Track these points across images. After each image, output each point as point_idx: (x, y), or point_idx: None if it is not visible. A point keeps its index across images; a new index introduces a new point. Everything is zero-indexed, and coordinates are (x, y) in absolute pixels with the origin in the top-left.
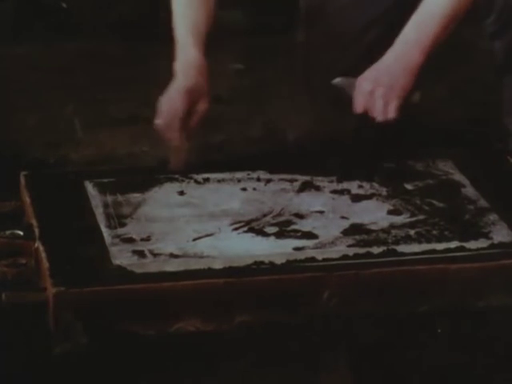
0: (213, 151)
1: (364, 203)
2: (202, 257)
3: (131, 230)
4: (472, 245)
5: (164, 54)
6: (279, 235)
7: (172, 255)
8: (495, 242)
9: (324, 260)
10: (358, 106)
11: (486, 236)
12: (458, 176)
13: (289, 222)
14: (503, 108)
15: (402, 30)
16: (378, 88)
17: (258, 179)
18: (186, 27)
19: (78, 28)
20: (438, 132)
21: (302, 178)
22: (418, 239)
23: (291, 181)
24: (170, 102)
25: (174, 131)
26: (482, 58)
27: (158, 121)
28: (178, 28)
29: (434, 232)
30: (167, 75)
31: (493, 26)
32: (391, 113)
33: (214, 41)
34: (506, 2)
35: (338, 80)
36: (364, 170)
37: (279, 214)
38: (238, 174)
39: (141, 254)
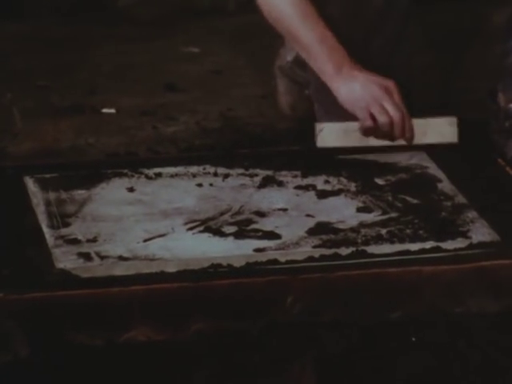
0: (165, 143)
1: (331, 200)
2: (153, 259)
3: (76, 230)
4: (449, 245)
5: (111, 38)
6: (238, 235)
7: (121, 258)
8: (474, 241)
9: (287, 262)
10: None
11: (465, 235)
12: (433, 170)
13: (249, 221)
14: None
15: None
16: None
17: (215, 174)
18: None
19: (17, 8)
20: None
21: (263, 173)
22: (390, 239)
23: (251, 176)
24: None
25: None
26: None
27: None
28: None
29: (408, 231)
30: (114, 61)
31: None
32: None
33: (165, 22)
34: None
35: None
36: (331, 164)
37: (238, 212)
38: (193, 169)
39: (87, 256)
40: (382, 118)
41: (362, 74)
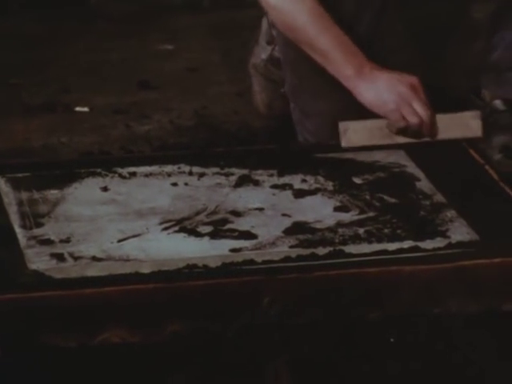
0: (139, 142)
1: (308, 199)
2: (128, 260)
3: (49, 230)
4: (428, 244)
5: (85, 35)
6: (214, 235)
7: (95, 258)
8: (453, 241)
9: (264, 262)
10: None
11: (443, 235)
12: (411, 168)
13: (225, 221)
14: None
15: None
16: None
17: (190, 173)
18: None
19: None
20: None
21: (239, 172)
22: (368, 239)
23: (227, 175)
24: None
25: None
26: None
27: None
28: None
29: (386, 231)
30: (88, 58)
31: None
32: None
33: (139, 19)
34: None
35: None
36: (308, 163)
37: (214, 212)
38: (168, 168)
39: (60, 257)
40: (413, 120)
41: (384, 74)
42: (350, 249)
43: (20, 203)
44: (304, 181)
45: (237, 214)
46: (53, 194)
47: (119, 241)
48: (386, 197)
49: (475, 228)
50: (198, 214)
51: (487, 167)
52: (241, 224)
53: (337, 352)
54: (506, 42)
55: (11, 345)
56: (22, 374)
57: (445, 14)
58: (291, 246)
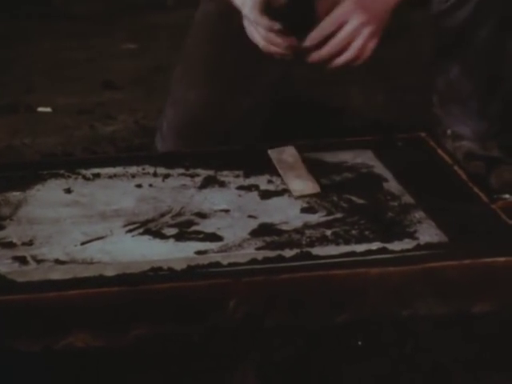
0: (103, 143)
1: (274, 200)
2: (91, 263)
3: (11, 233)
4: (396, 246)
5: (48, 34)
6: (179, 237)
7: (58, 261)
8: (421, 242)
9: (230, 265)
10: (342, 38)
11: (412, 236)
12: (379, 169)
13: (190, 223)
14: (437, 96)
15: None
16: (367, 24)
17: (155, 174)
18: None
19: None
20: (354, 117)
21: (204, 173)
22: (336, 240)
23: (192, 176)
24: None
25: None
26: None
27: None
28: None
29: (353, 232)
30: (51, 58)
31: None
32: (368, 52)
33: (102, 18)
34: None
35: None
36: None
37: (179, 214)
38: (132, 169)
39: (22, 260)
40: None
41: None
42: (318, 251)
43: None
44: (270, 182)
45: (202, 215)
46: (15, 195)
47: (83, 243)
48: (353, 198)
49: (444, 229)
50: (162, 215)
51: (456, 167)
52: (206, 226)
53: (304, 355)
54: (449, 76)
55: None
56: None
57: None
58: (257, 248)
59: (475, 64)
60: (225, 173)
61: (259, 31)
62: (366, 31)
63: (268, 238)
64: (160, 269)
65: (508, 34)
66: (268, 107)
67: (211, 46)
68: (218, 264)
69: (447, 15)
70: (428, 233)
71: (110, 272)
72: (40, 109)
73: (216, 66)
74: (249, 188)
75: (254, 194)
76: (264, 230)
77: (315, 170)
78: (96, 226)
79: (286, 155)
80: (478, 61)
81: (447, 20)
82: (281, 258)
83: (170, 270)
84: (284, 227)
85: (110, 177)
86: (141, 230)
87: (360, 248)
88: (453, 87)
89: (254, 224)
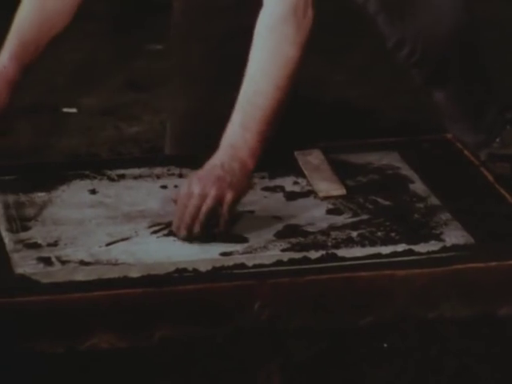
0: (128, 144)
1: (300, 201)
2: (116, 264)
3: (36, 234)
4: (422, 248)
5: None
6: (204, 239)
7: (82, 262)
8: (448, 244)
9: (255, 266)
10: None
11: (438, 238)
12: (405, 170)
13: (215, 224)
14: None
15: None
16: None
17: (180, 175)
18: (15, 28)
19: None
20: (381, 120)
21: None
22: (361, 242)
23: None
24: None
25: None
26: None
27: None
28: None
29: (379, 234)
30: (76, 58)
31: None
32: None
33: (127, 18)
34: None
35: None
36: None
37: None
38: (157, 170)
39: (47, 261)
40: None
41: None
42: (343, 252)
43: (6, 206)
44: (296, 183)
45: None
46: (40, 196)
47: (107, 244)
48: (379, 199)
49: (470, 231)
50: None
51: (482, 169)
52: (231, 227)
53: (328, 358)
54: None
55: None
56: (7, 379)
57: None
58: (283, 250)
59: (456, 92)
60: None
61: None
62: (212, 192)
63: (293, 240)
64: (185, 270)
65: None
66: None
67: (188, 53)
68: (242, 265)
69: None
70: (454, 234)
71: (134, 273)
72: (65, 109)
73: (195, 73)
74: (274, 189)
75: (280, 195)
76: (289, 232)
77: (341, 171)
78: (121, 227)
79: (312, 157)
80: (458, 90)
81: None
82: (306, 260)
83: (195, 271)
84: (309, 228)
85: (135, 178)
86: (166, 231)
87: (386, 250)
88: (446, 109)
89: (279, 225)
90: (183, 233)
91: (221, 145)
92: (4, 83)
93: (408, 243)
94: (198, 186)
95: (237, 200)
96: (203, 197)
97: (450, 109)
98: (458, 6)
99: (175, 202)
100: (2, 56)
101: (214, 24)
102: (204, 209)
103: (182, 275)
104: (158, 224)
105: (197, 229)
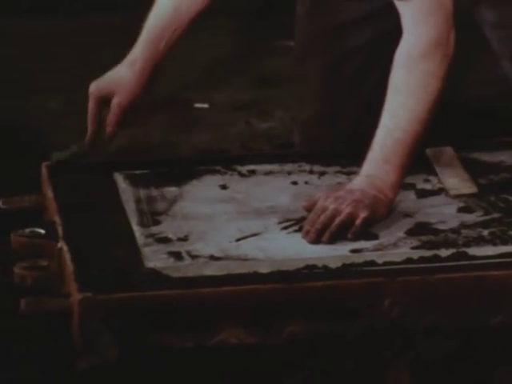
0: (259, 140)
1: (431, 199)
2: (246, 259)
3: (166, 228)
4: None
5: (205, 30)
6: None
7: (212, 257)
8: None
9: (385, 264)
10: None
11: None
12: None
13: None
14: None
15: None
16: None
17: (311, 172)
18: (149, 19)
19: (110, 0)
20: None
21: (359, 170)
22: (493, 240)
23: (348, 174)
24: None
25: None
26: None
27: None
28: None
29: (511, 232)
30: (207, 54)
31: None
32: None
33: (257, 14)
34: None
35: None
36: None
37: None
38: (288, 166)
39: (177, 255)
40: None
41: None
42: (474, 251)
43: (138, 200)
44: (427, 181)
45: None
46: (171, 191)
47: (237, 240)
48: (511, 198)
49: None
50: None
51: None
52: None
53: (457, 357)
54: None
55: (127, 344)
56: (137, 374)
57: None
58: (413, 248)
59: None
60: None
61: None
62: (347, 209)
63: (424, 238)
64: (314, 267)
65: None
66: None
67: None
68: (373, 263)
69: None
70: None
71: (264, 269)
72: (197, 105)
73: (317, 83)
74: (405, 187)
75: (411, 193)
76: (420, 229)
77: (472, 169)
78: (251, 222)
79: (444, 154)
80: None
81: None
82: (436, 258)
83: (325, 268)
84: (440, 226)
85: (266, 173)
86: (296, 228)
87: None
88: None
89: (409, 223)
90: (312, 238)
91: (360, 174)
92: (135, 74)
93: None
94: (333, 203)
95: (371, 219)
96: (338, 212)
97: None
98: None
99: (307, 209)
100: (134, 47)
101: (339, 37)
102: (337, 221)
103: (311, 271)
104: (288, 220)
105: (326, 237)
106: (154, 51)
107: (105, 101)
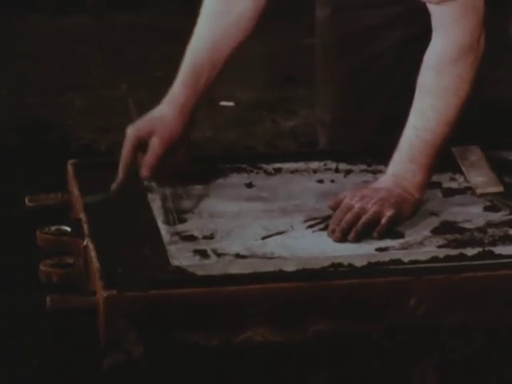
0: (285, 138)
1: (457, 198)
2: (271, 258)
3: (192, 226)
4: None
5: None
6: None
7: (238, 255)
8: None
9: (411, 262)
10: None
11: None
12: None
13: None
14: None
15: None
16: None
17: (337, 170)
18: (187, 55)
19: None
20: None
21: (386, 170)
22: None
23: (374, 172)
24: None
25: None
26: None
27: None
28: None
29: None
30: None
31: None
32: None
33: (283, 12)
34: None
35: None
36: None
37: None
38: (314, 164)
39: (203, 253)
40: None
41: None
42: (500, 250)
43: (164, 198)
44: (453, 179)
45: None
46: (197, 189)
47: (263, 238)
48: None
49: None
50: None
51: None
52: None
53: (484, 356)
54: None
55: (152, 342)
56: (162, 372)
57: None
58: (439, 246)
59: None
60: None
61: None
62: (373, 208)
63: (450, 236)
64: (340, 265)
65: None
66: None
67: (335, 66)
68: (398, 261)
69: None
70: None
71: (289, 267)
72: (222, 103)
73: (342, 85)
74: (431, 185)
75: (437, 192)
76: (446, 228)
77: (499, 168)
78: (277, 220)
79: (470, 153)
80: None
81: None
82: (462, 257)
83: (350, 266)
84: (466, 225)
85: (292, 172)
86: (321, 226)
87: None
88: None
89: (435, 221)
90: (337, 236)
91: (386, 173)
92: (176, 112)
93: None
94: (359, 202)
95: (397, 218)
96: (364, 210)
97: None
98: None
99: (332, 208)
100: (175, 83)
101: (366, 41)
102: (363, 219)
103: (337, 270)
104: (314, 218)
105: (351, 236)
106: (195, 87)
107: (142, 144)
